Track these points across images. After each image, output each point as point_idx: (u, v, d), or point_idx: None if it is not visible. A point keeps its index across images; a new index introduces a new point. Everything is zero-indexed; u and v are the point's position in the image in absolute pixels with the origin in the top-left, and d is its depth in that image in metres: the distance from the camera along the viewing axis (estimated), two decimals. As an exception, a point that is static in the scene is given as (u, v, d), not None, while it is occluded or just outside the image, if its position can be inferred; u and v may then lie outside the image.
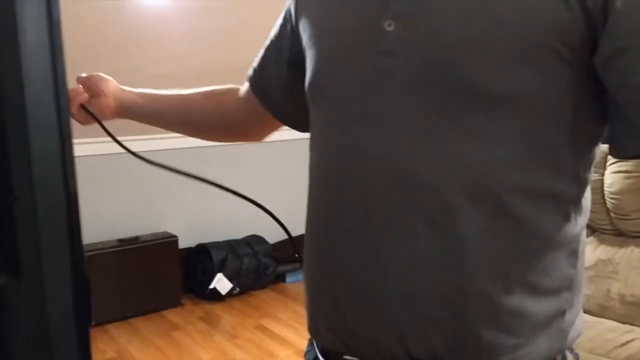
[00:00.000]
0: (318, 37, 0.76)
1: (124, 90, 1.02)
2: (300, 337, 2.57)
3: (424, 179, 0.63)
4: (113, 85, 1.00)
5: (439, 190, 0.63)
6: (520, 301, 0.63)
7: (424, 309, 0.63)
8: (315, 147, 0.77)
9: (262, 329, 2.82)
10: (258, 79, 0.93)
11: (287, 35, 0.85)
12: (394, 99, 0.66)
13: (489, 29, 0.61)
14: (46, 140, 0.46)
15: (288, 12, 0.85)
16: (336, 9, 0.74)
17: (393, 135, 0.66)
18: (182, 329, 2.83)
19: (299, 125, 0.89)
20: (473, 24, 0.62)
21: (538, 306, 0.64)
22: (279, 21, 0.88)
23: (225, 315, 3.01)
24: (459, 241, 0.61)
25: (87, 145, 3.30)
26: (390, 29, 0.66)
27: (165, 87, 3.13)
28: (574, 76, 0.61)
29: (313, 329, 0.77)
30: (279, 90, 0.89)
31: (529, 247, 0.64)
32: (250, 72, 0.94)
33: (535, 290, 0.63)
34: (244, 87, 0.98)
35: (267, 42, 0.91)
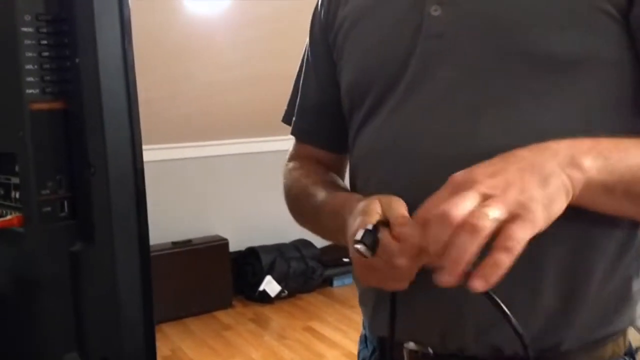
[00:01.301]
0: (360, 37, 0.75)
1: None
2: (348, 340, 2.61)
3: (488, 149, 0.58)
4: None
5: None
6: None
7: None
8: (361, 143, 0.74)
9: (311, 330, 2.87)
10: (312, 129, 0.87)
11: (321, 54, 0.83)
12: (448, 80, 0.65)
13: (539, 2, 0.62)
14: (118, 124, 0.53)
15: (314, 33, 0.84)
16: (375, 5, 0.73)
17: (453, 114, 0.64)
18: (232, 329, 2.92)
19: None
20: (521, 1, 0.62)
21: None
22: (307, 50, 0.86)
23: (274, 316, 3.08)
24: None
25: (147, 152, 3.42)
26: (437, 13, 0.66)
27: (214, 94, 3.25)
28: (630, 36, 0.61)
29: (372, 319, 0.75)
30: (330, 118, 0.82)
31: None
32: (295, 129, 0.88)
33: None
34: (300, 153, 0.89)
35: (299, 81, 0.88)
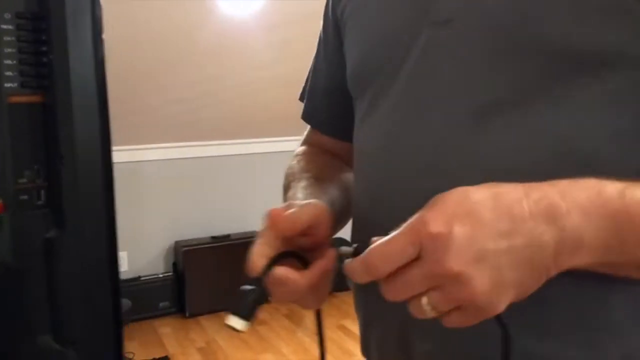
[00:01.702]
0: (356, 21, 0.70)
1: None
2: (379, 339, 2.60)
3: (494, 162, 0.52)
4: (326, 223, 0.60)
5: (517, 173, 0.50)
6: None
7: None
8: (357, 140, 0.69)
9: (343, 329, 2.88)
10: (317, 114, 0.82)
11: (331, 37, 0.78)
12: (452, 77, 0.58)
13: None
14: (88, 117, 0.56)
15: (327, 13, 0.82)
16: None
17: (455, 118, 0.57)
18: (267, 324, 2.96)
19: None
20: None
21: None
22: (320, 35, 0.80)
23: (308, 313, 3.11)
24: None
25: (188, 148, 3.55)
26: None
27: (249, 93, 3.28)
28: None
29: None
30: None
31: None
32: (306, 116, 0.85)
33: None
34: (310, 138, 0.91)
35: (311, 67, 0.83)
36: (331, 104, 0.78)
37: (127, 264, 3.94)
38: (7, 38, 0.55)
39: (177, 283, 3.24)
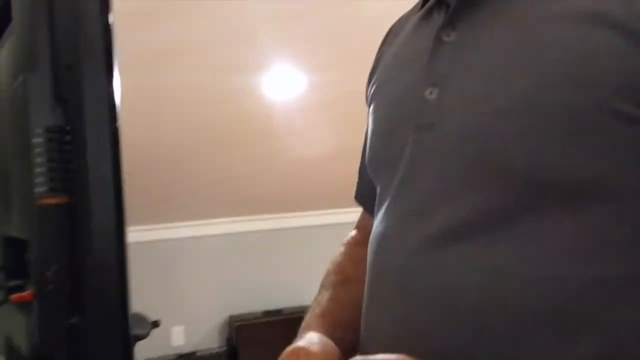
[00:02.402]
0: (374, 113, 0.70)
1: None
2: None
3: (453, 297, 0.49)
4: None
5: (481, 318, 0.48)
6: None
7: None
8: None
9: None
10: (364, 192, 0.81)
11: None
12: (427, 185, 0.55)
13: (529, 92, 0.46)
14: (105, 216, 0.63)
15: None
16: (391, 80, 0.65)
17: (423, 237, 0.53)
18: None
19: None
20: (512, 86, 0.48)
21: None
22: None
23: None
24: None
25: (239, 224, 3.66)
26: (432, 97, 0.54)
27: (303, 168, 3.40)
28: None
29: None
30: None
31: None
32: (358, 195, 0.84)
33: None
34: (361, 221, 0.86)
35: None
36: (371, 182, 0.73)
37: (184, 338, 4.01)
38: (38, 149, 0.64)
39: (231, 358, 3.28)
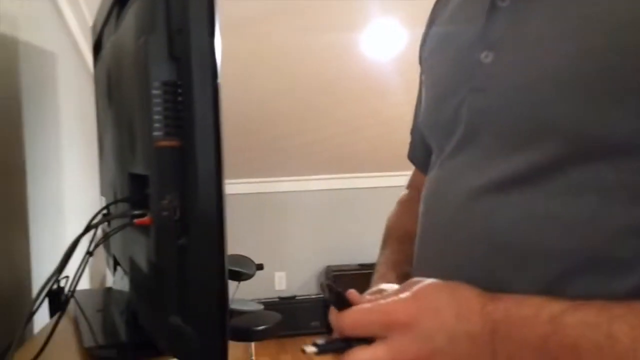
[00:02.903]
0: (429, 75, 0.74)
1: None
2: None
3: (504, 242, 0.55)
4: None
5: (525, 260, 0.54)
6: None
7: None
8: (427, 182, 0.73)
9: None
10: (416, 152, 0.88)
11: (422, 78, 0.83)
12: (482, 144, 0.59)
13: (576, 57, 0.50)
14: (206, 159, 0.76)
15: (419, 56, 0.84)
16: (445, 43, 0.69)
17: (477, 189, 0.58)
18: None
19: None
20: (559, 52, 0.51)
21: None
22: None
23: None
24: None
25: (336, 181, 3.79)
26: (487, 60, 0.58)
27: (395, 129, 3.49)
28: None
29: None
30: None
31: None
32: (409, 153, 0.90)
33: None
34: (413, 179, 0.93)
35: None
36: (424, 142, 0.81)
37: (286, 284, 4.27)
38: (155, 100, 0.78)
39: (327, 304, 3.49)
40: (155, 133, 0.78)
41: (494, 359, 0.48)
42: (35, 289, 1.21)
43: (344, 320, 0.53)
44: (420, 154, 0.86)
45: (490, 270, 0.54)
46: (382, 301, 0.51)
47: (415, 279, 0.55)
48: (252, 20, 2.49)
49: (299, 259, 4.14)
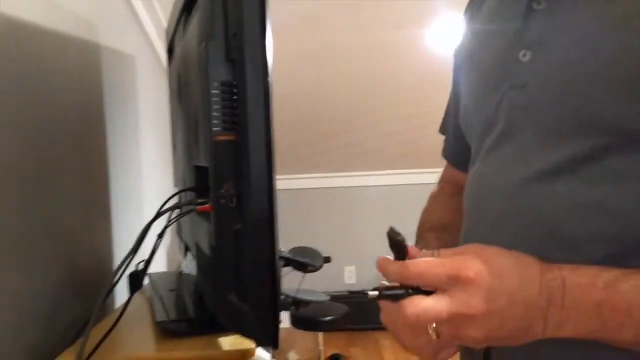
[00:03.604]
0: (467, 75, 0.77)
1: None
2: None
3: (551, 229, 0.58)
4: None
5: (575, 244, 0.57)
6: None
7: None
8: (467, 183, 0.76)
9: None
10: (449, 149, 0.92)
11: (455, 75, 0.88)
12: (525, 137, 0.63)
13: (616, 56, 0.54)
14: (258, 152, 0.83)
15: (454, 63, 0.88)
16: (483, 45, 0.72)
17: (522, 181, 0.62)
18: None
19: None
20: (600, 52, 0.55)
21: None
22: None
23: None
24: None
25: (400, 176, 3.81)
26: (525, 59, 0.62)
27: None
28: None
29: None
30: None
31: None
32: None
33: None
34: (445, 174, 0.96)
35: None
36: (457, 139, 0.85)
37: (355, 277, 4.32)
38: (214, 99, 0.86)
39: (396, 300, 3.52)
40: (214, 128, 0.86)
41: (544, 325, 0.51)
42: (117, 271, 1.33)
43: (409, 269, 0.54)
44: (453, 151, 0.90)
45: (541, 257, 0.56)
46: (450, 259, 0.54)
47: (474, 244, 0.58)
48: (315, 19, 2.57)
49: (368, 253, 4.18)
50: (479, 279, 0.50)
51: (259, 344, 0.87)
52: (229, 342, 1.02)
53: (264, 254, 0.84)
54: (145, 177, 2.05)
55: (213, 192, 0.87)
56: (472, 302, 0.50)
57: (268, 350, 1.44)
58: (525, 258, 0.54)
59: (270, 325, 0.85)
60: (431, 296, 0.53)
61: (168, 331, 1.08)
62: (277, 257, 0.85)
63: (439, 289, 0.52)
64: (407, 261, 0.56)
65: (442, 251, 0.57)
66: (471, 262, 0.51)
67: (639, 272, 0.51)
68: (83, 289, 1.41)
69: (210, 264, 0.94)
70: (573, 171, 0.57)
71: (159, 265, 2.17)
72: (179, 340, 1.05)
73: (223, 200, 0.86)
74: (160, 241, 1.09)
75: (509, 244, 0.59)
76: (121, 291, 1.61)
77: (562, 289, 0.51)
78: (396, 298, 0.56)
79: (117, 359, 1.01)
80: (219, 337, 1.04)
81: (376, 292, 0.57)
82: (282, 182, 4.13)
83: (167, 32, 1.58)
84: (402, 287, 0.57)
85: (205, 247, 0.98)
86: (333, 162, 3.82)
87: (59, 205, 1.36)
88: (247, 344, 0.89)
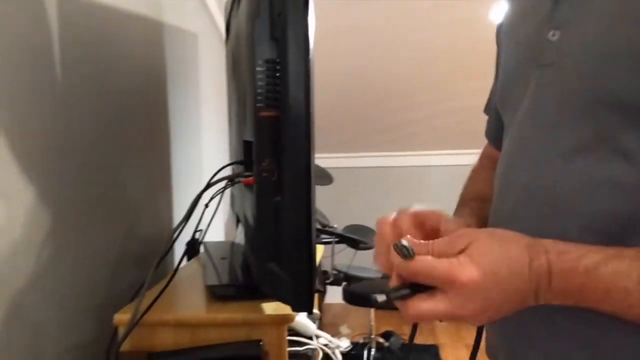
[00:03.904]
0: (503, 55, 0.79)
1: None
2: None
3: (570, 205, 0.60)
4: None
5: (590, 217, 0.59)
6: None
7: None
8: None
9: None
10: (491, 129, 0.94)
11: (497, 56, 0.88)
12: (549, 115, 0.64)
13: (633, 38, 0.55)
14: (297, 128, 0.87)
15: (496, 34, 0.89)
16: (517, 25, 0.75)
17: (542, 158, 0.64)
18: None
19: None
20: (618, 33, 0.57)
21: None
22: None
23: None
24: None
25: (462, 156, 3.75)
26: (554, 38, 0.63)
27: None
28: None
29: None
30: None
31: None
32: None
33: None
34: (485, 151, 0.98)
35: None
36: (496, 118, 0.86)
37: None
38: (259, 76, 0.90)
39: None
40: (258, 105, 0.90)
41: (535, 301, 0.56)
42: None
43: (409, 268, 0.58)
44: (493, 130, 0.91)
45: (558, 233, 0.59)
46: (445, 260, 0.56)
47: (466, 231, 0.60)
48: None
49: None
50: (471, 283, 0.54)
51: (295, 309, 0.92)
52: (271, 307, 1.08)
53: (301, 225, 0.88)
54: (205, 151, 2.14)
55: (256, 166, 0.92)
56: (468, 303, 0.55)
57: (314, 321, 1.50)
58: (514, 246, 0.56)
59: (306, 292, 0.89)
60: (431, 298, 0.56)
61: (216, 295, 1.15)
62: (313, 228, 0.88)
63: (439, 287, 0.56)
64: (410, 261, 0.58)
65: (437, 241, 0.60)
66: (464, 267, 0.54)
67: (622, 256, 0.54)
68: (143, 256, 1.51)
69: (254, 234, 0.99)
70: (591, 149, 0.59)
71: (217, 236, 2.27)
72: (225, 303, 1.12)
73: (265, 174, 0.91)
74: (205, 210, 1.16)
75: (529, 220, 0.63)
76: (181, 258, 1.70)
77: (548, 275, 0.54)
78: (403, 298, 0.59)
79: (168, 318, 1.08)
80: (262, 302, 1.10)
81: (384, 296, 0.61)
82: (344, 160, 4.17)
83: (225, 10, 1.64)
84: (407, 285, 0.60)
85: (250, 218, 1.03)
86: (396, 140, 3.82)
87: (126, 176, 1.45)
88: (288, 309, 0.94)
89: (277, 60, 0.89)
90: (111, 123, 1.37)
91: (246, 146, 1.09)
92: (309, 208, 0.88)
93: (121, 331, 1.09)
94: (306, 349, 1.36)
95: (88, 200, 1.25)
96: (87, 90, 1.25)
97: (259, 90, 0.90)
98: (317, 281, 0.93)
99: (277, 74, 0.89)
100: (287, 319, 1.06)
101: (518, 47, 0.72)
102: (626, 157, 0.57)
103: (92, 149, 1.27)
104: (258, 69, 0.90)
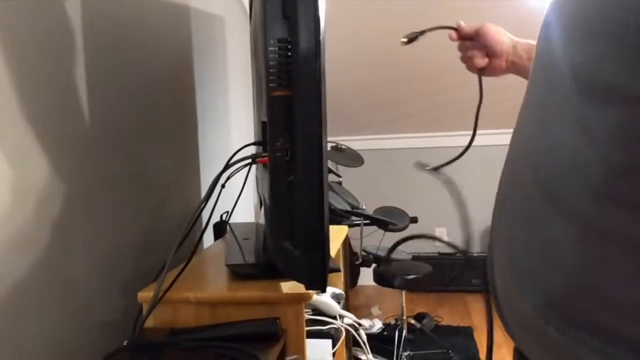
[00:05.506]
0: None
1: (515, 48, 1.15)
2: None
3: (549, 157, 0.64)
4: (506, 43, 1.16)
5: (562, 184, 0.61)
6: None
7: None
8: None
9: None
10: None
11: None
12: (546, 80, 0.67)
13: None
14: (310, 107, 0.87)
15: None
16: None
17: (537, 118, 0.68)
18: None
19: None
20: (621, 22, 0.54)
21: None
22: None
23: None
24: None
25: (495, 136, 3.68)
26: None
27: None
28: None
29: None
30: None
31: None
32: None
33: None
34: None
35: None
36: None
37: (446, 239, 4.28)
38: (271, 55, 0.90)
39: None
40: (271, 84, 0.91)
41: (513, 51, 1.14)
42: (204, 220, 1.45)
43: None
44: None
45: (545, 191, 0.64)
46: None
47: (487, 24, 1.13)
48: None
49: (460, 215, 4.14)
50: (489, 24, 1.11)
51: (308, 287, 0.93)
52: (288, 286, 1.09)
53: (314, 204, 0.88)
54: (233, 132, 2.16)
55: (270, 146, 0.93)
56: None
57: (338, 301, 1.51)
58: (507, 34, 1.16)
59: (319, 271, 0.90)
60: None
61: (236, 274, 1.17)
62: (326, 207, 0.89)
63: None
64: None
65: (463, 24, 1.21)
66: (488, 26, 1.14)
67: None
68: (170, 236, 1.54)
69: (269, 213, 1.00)
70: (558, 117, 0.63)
71: (248, 217, 2.30)
72: (245, 282, 1.14)
73: (278, 153, 0.92)
74: (222, 191, 1.17)
75: (523, 179, 0.70)
76: (209, 238, 1.74)
77: (516, 46, 1.14)
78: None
79: (188, 296, 1.11)
80: (281, 281, 1.11)
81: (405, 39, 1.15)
82: (376, 142, 4.14)
83: (249, -8, 1.64)
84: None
85: (267, 197, 1.04)
86: (429, 121, 3.77)
87: (155, 159, 1.48)
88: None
89: (289, 39, 0.89)
90: (140, 107, 1.40)
91: (263, 127, 1.10)
92: (321, 187, 0.88)
93: (145, 308, 1.12)
94: (329, 327, 1.37)
95: (120, 182, 1.28)
96: (117, 76, 1.28)
97: (272, 70, 0.90)
98: (330, 260, 0.93)
99: (289, 53, 0.89)
100: (305, 297, 1.07)
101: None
102: (581, 128, 0.58)
103: (123, 132, 1.30)
104: (270, 48, 0.90)
